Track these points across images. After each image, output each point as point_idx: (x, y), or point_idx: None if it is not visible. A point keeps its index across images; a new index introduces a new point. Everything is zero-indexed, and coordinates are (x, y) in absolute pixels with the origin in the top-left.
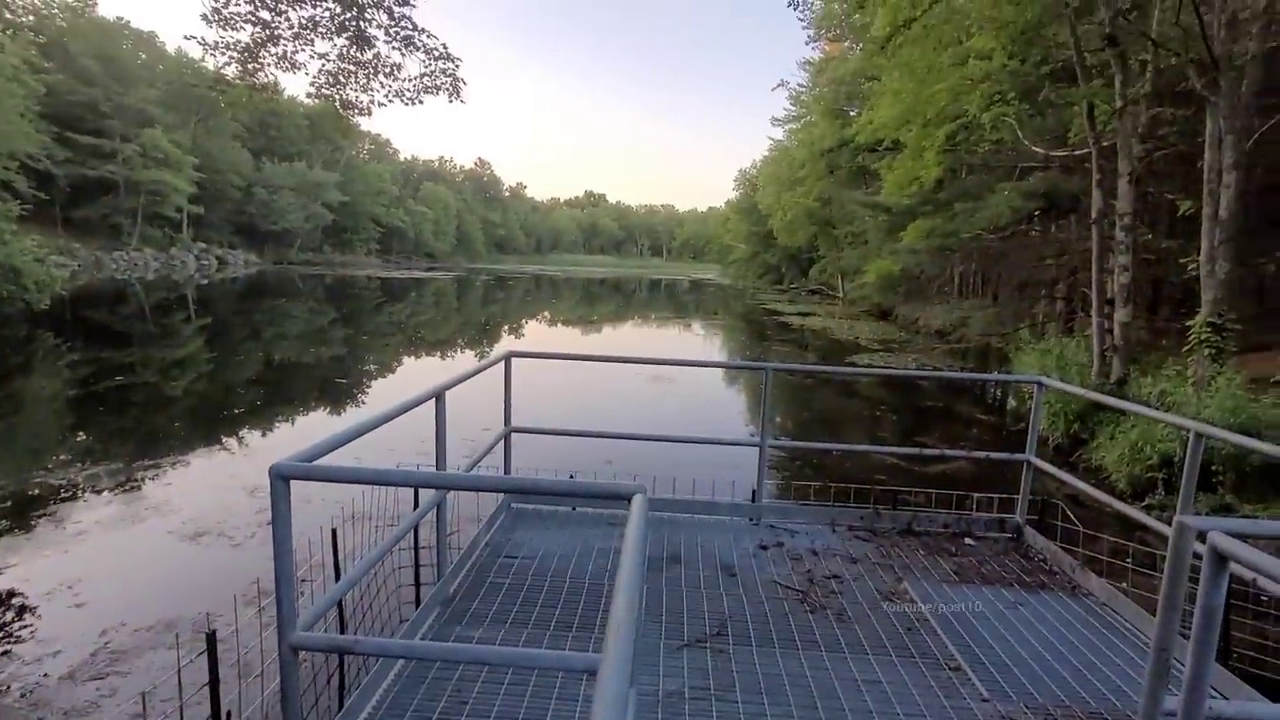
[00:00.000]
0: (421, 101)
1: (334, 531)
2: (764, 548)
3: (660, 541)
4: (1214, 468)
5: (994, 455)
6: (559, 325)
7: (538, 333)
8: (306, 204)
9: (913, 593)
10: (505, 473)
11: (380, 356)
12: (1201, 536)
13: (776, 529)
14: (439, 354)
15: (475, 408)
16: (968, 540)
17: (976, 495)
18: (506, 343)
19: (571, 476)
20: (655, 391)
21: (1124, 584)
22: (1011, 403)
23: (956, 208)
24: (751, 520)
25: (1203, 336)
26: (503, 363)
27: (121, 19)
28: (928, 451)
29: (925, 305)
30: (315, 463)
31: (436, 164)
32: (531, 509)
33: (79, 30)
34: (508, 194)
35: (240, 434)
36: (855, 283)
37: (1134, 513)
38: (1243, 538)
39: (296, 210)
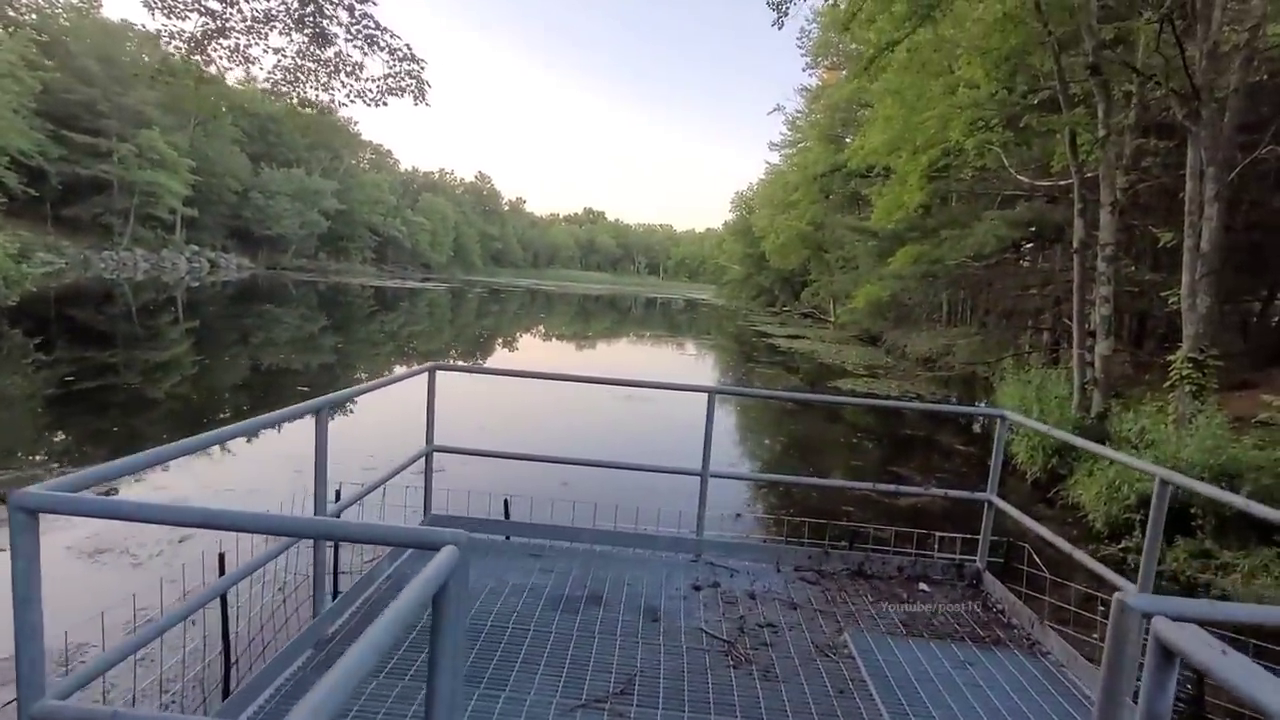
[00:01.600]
0: (385, 103)
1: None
2: (697, 588)
3: (584, 579)
4: (1193, 510)
5: (952, 493)
6: (553, 340)
7: (531, 346)
8: (303, 210)
9: (852, 647)
10: (425, 495)
11: (370, 365)
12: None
13: (716, 567)
14: (441, 360)
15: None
16: (922, 586)
17: (939, 534)
18: (500, 356)
19: (507, 503)
20: (628, 413)
21: (1093, 635)
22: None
23: (943, 235)
24: (691, 557)
25: (1184, 373)
26: (425, 376)
27: (126, 21)
28: (881, 487)
29: (913, 331)
30: (80, 492)
31: (437, 176)
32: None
33: (81, 30)
34: (507, 208)
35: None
36: (845, 307)
37: (1094, 564)
38: (1200, 624)
39: (292, 216)
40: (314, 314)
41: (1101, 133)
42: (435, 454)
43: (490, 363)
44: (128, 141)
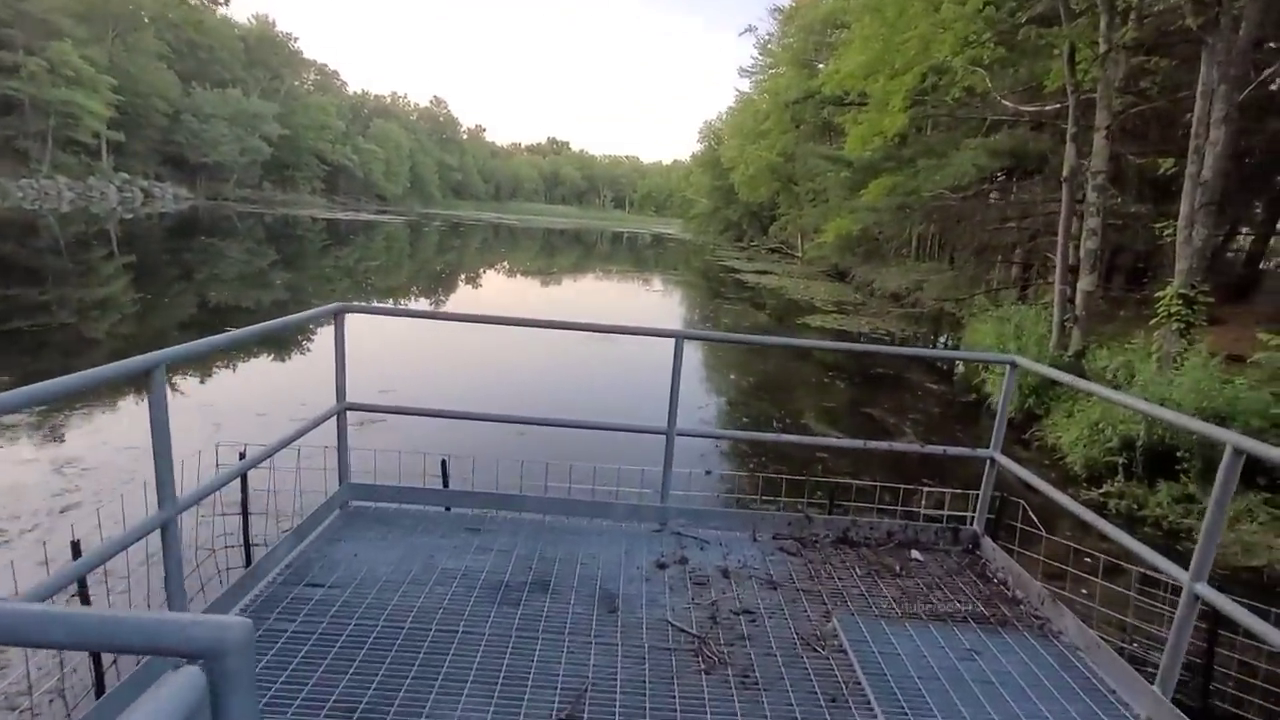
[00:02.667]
0: None
1: None
2: (663, 566)
3: (529, 559)
4: (1179, 454)
5: (953, 450)
6: (518, 276)
7: (494, 283)
8: (242, 136)
9: (843, 637)
10: (340, 462)
11: (328, 303)
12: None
13: (684, 538)
14: (391, 301)
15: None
16: (914, 554)
17: (927, 489)
18: (463, 295)
19: (445, 466)
20: (589, 359)
21: (1081, 590)
22: (959, 369)
23: (919, 165)
24: (655, 526)
25: (1172, 309)
26: (332, 322)
27: None
28: (873, 445)
29: (882, 267)
30: None
31: (389, 100)
32: (373, 508)
33: None
34: (465, 136)
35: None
36: (814, 242)
37: (1119, 534)
38: None
39: (231, 142)
40: (262, 248)
41: (1103, 48)
42: (351, 413)
43: (451, 302)
44: (36, 55)
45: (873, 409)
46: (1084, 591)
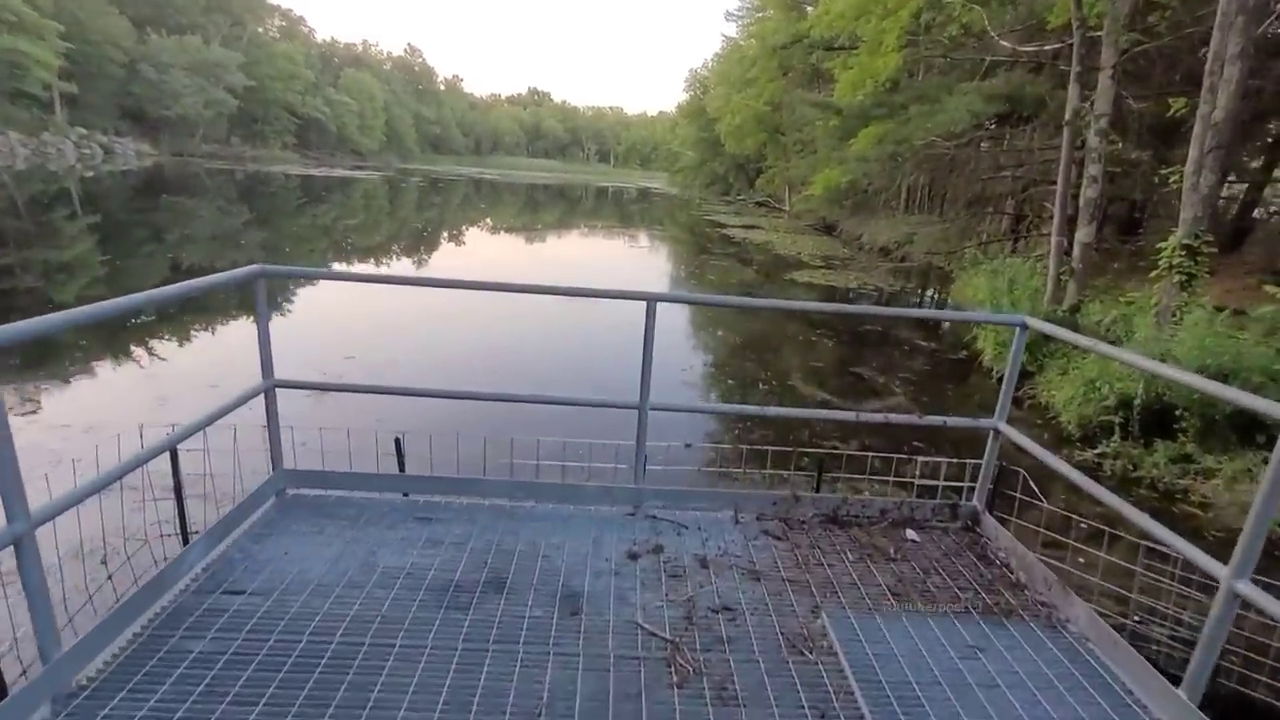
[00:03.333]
0: None
1: None
2: (634, 556)
3: (485, 552)
4: (1178, 412)
5: (953, 421)
6: (501, 233)
7: (479, 242)
8: (205, 87)
9: (832, 636)
10: (271, 445)
11: (308, 263)
12: None
13: (659, 523)
14: (371, 261)
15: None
16: (909, 534)
17: (921, 458)
18: (462, 250)
19: (399, 445)
20: (561, 321)
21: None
22: (947, 324)
23: (912, 110)
24: (628, 510)
25: (1174, 261)
26: (257, 286)
27: None
28: (867, 416)
29: (871, 220)
30: None
31: (360, 48)
32: (312, 496)
33: None
34: (443, 87)
35: (149, 345)
36: (801, 195)
37: (1141, 518)
38: None
39: (193, 94)
40: (234, 206)
41: None
42: (281, 391)
43: (434, 260)
44: None
45: (861, 368)
46: (1081, 561)
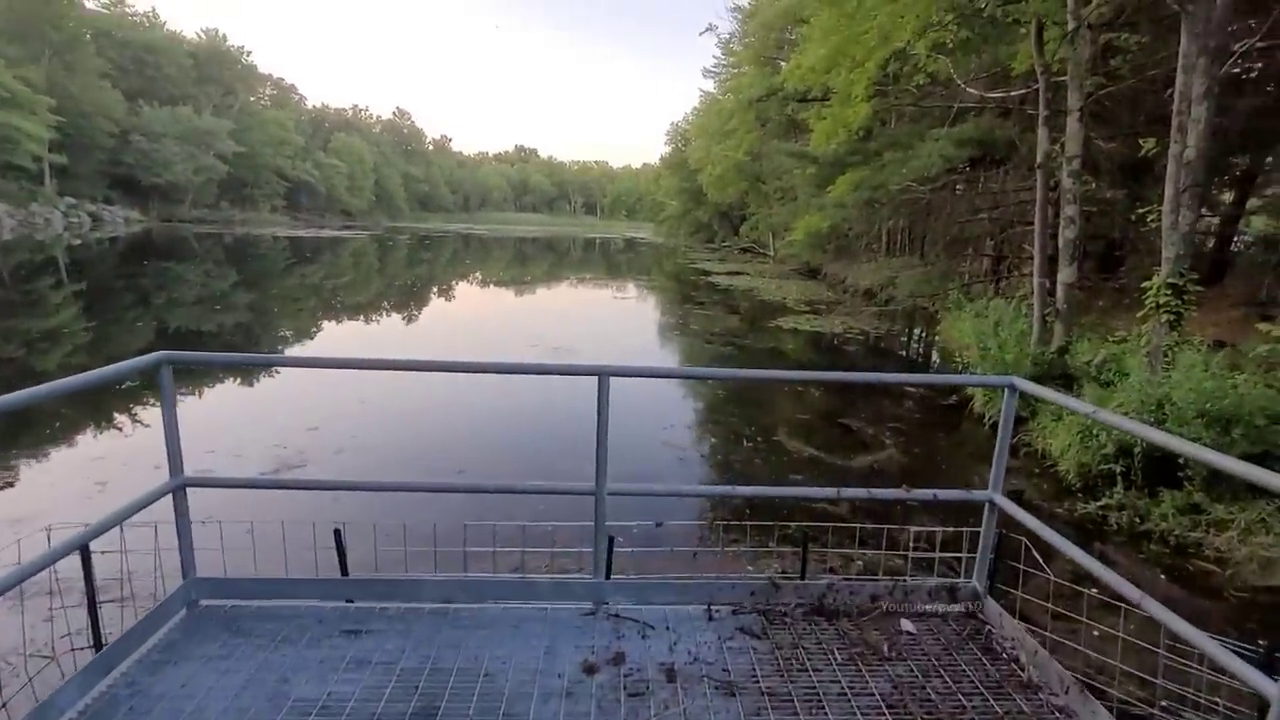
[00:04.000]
0: None
1: None
2: (591, 670)
3: (417, 674)
4: (1180, 459)
5: (944, 494)
6: (498, 285)
7: (478, 294)
8: (195, 154)
9: None
10: (182, 551)
11: (297, 323)
12: None
13: (623, 623)
14: (361, 318)
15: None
16: (905, 626)
17: (914, 528)
18: (445, 305)
19: (340, 538)
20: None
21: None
22: (936, 353)
23: (886, 157)
24: (587, 608)
25: (1161, 300)
26: (162, 375)
27: None
28: (849, 494)
29: (854, 264)
30: None
31: (350, 113)
32: (228, 608)
33: None
34: (431, 147)
35: (134, 412)
36: (785, 241)
37: (1190, 631)
38: None
39: (183, 161)
40: (221, 269)
41: (1071, 25)
42: (189, 490)
43: (423, 318)
44: None
45: (849, 418)
46: (1096, 634)
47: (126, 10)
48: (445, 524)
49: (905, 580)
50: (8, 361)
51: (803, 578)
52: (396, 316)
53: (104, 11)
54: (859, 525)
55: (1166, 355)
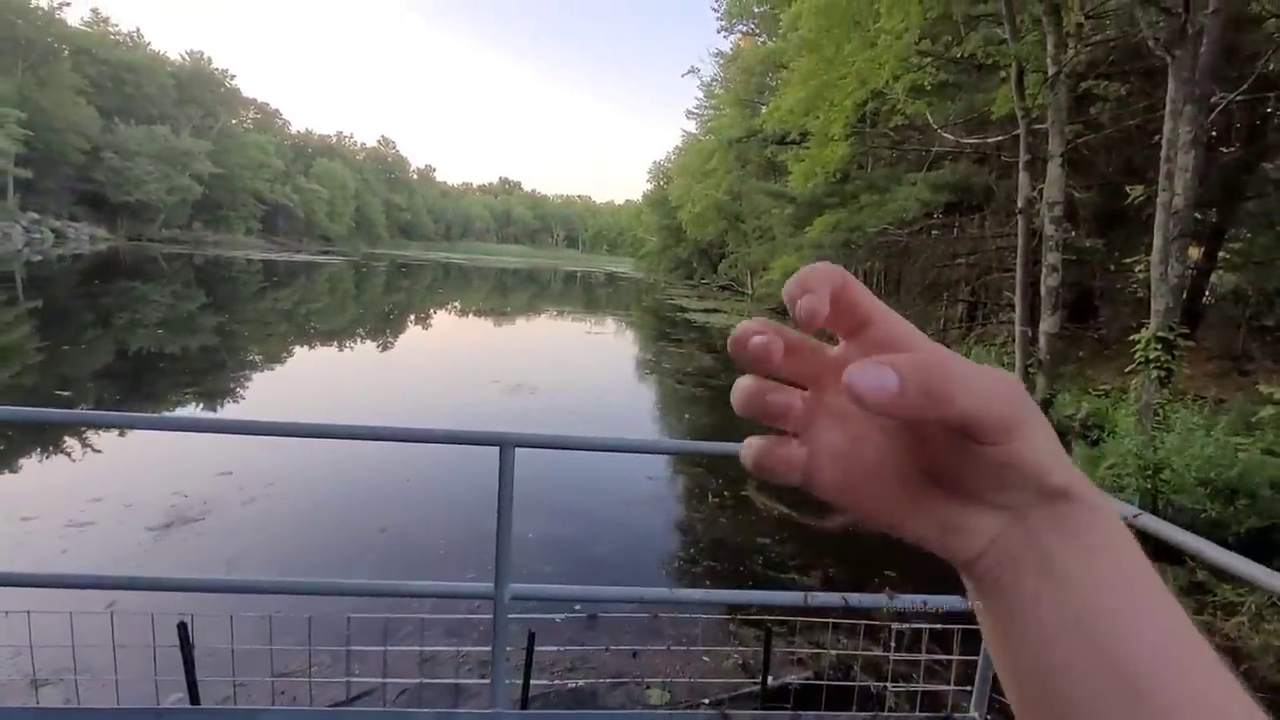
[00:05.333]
0: None
1: None
2: None
3: None
4: (1178, 520)
5: (934, 600)
6: (470, 316)
7: (447, 325)
8: (170, 174)
9: None
10: None
11: (264, 348)
12: None
13: None
14: (334, 344)
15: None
16: None
17: (896, 625)
18: (412, 335)
19: (182, 627)
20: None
21: None
22: None
23: (863, 200)
24: None
25: (1150, 355)
26: None
27: None
28: (819, 600)
29: None
30: None
31: (334, 140)
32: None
33: None
34: (415, 176)
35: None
36: (763, 279)
37: None
38: None
39: (157, 180)
40: (190, 290)
41: (1052, 70)
42: None
43: (399, 347)
44: None
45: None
46: None
47: (109, 30)
48: (327, 612)
49: (888, 715)
50: None
51: (764, 685)
52: (371, 345)
53: (85, 30)
54: (832, 620)
55: (1158, 413)
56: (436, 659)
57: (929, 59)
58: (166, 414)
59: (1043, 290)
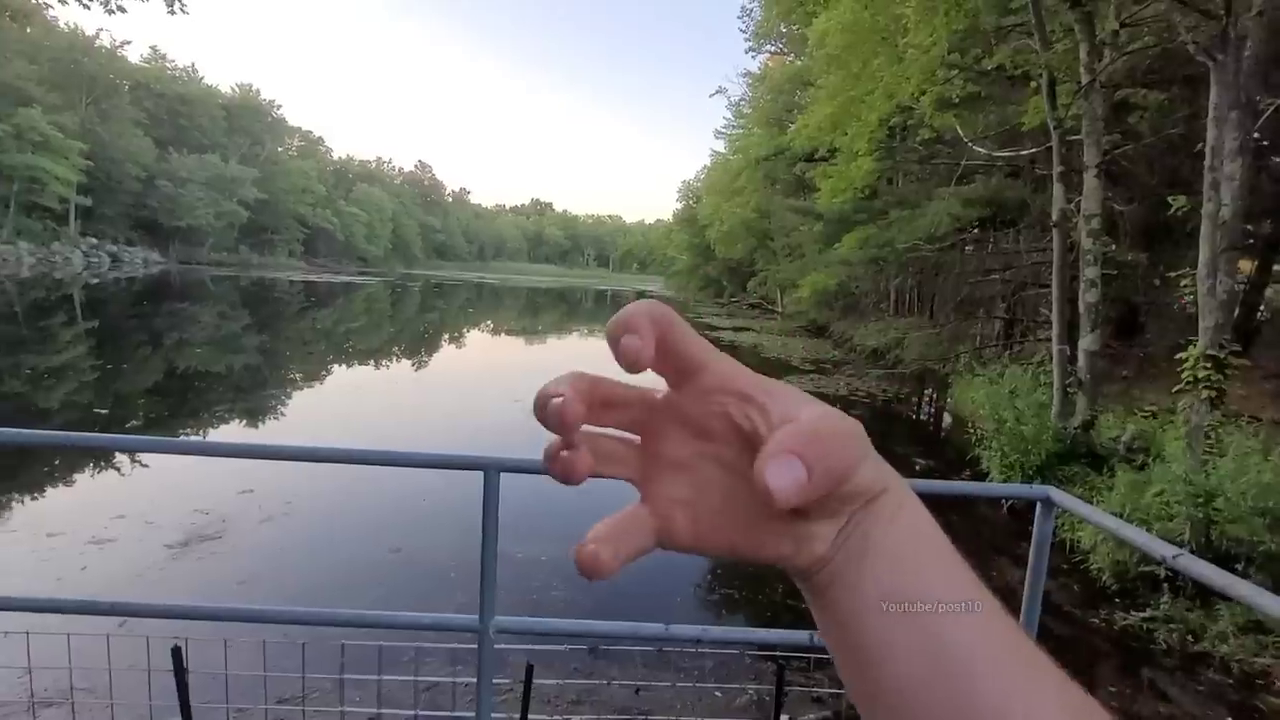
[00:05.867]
0: (123, 9)
1: None
2: None
3: None
4: (1239, 565)
5: None
6: (500, 335)
7: (477, 344)
8: (219, 200)
9: None
10: None
11: (304, 366)
12: None
13: None
14: (374, 363)
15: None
16: None
17: None
18: (442, 354)
19: (176, 651)
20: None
21: None
22: (947, 421)
23: (892, 216)
24: None
25: (1199, 374)
26: None
27: None
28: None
29: (860, 323)
30: None
31: (374, 165)
32: None
33: None
34: (450, 199)
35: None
36: (792, 298)
37: None
38: None
39: (206, 206)
40: (235, 311)
41: (1085, 79)
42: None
43: (430, 362)
44: (3, 121)
45: None
46: None
47: (167, 65)
48: (321, 636)
49: None
50: (12, 397)
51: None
52: (407, 363)
53: (145, 65)
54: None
55: (1209, 436)
56: (437, 689)
57: (956, 71)
58: (142, 437)
59: (1081, 306)
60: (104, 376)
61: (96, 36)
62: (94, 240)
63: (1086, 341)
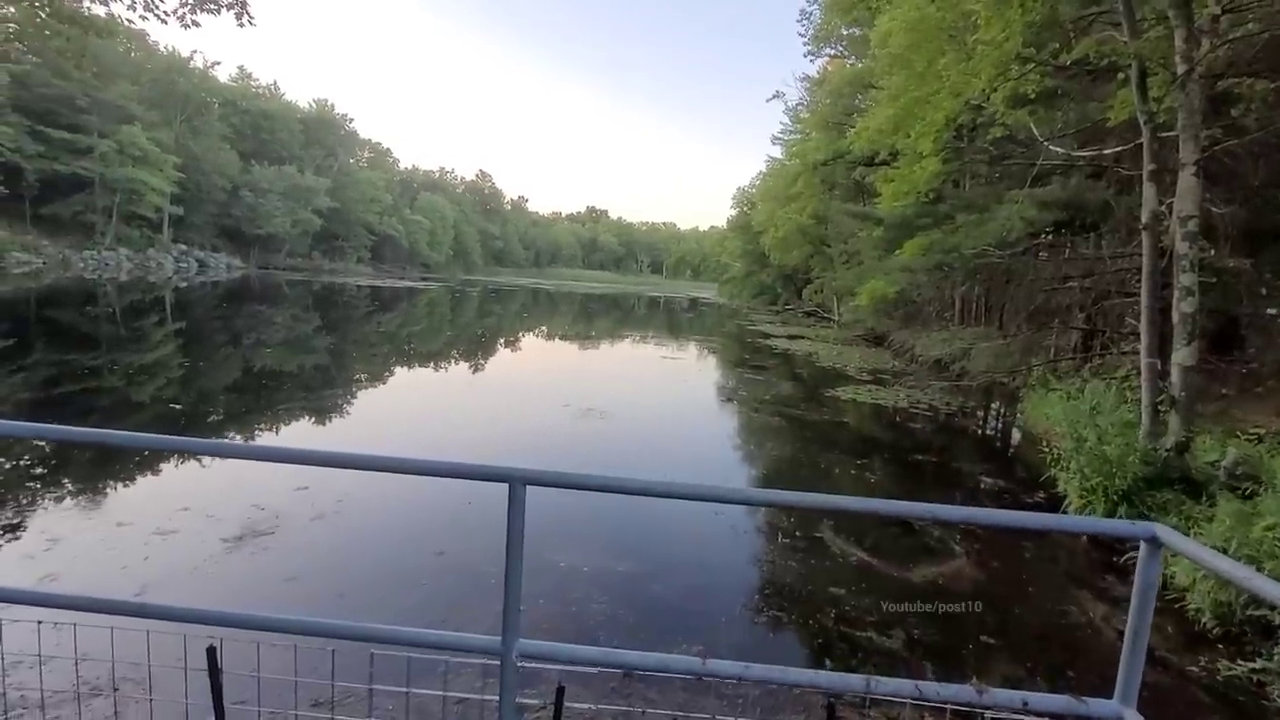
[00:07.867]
0: (198, 24)
1: None
2: None
3: None
4: None
5: (1036, 699)
6: (553, 339)
7: (530, 348)
8: (295, 209)
9: None
10: None
11: (368, 366)
12: None
13: None
14: (431, 365)
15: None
16: None
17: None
18: (497, 358)
19: (211, 651)
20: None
21: None
22: (1015, 439)
23: (959, 220)
24: None
25: None
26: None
27: (110, 13)
28: (884, 686)
29: (923, 332)
30: None
31: (437, 174)
32: None
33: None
34: (508, 206)
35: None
36: (850, 306)
37: None
38: None
39: (284, 215)
40: (307, 314)
41: (1181, 69)
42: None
43: (485, 365)
44: (108, 138)
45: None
46: None
47: (251, 83)
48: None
49: None
50: (108, 391)
51: None
52: (464, 365)
53: (232, 84)
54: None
55: None
56: (466, 703)
57: (1031, 65)
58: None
59: (1175, 317)
60: (189, 374)
61: (191, 58)
62: (183, 247)
63: (1181, 355)
